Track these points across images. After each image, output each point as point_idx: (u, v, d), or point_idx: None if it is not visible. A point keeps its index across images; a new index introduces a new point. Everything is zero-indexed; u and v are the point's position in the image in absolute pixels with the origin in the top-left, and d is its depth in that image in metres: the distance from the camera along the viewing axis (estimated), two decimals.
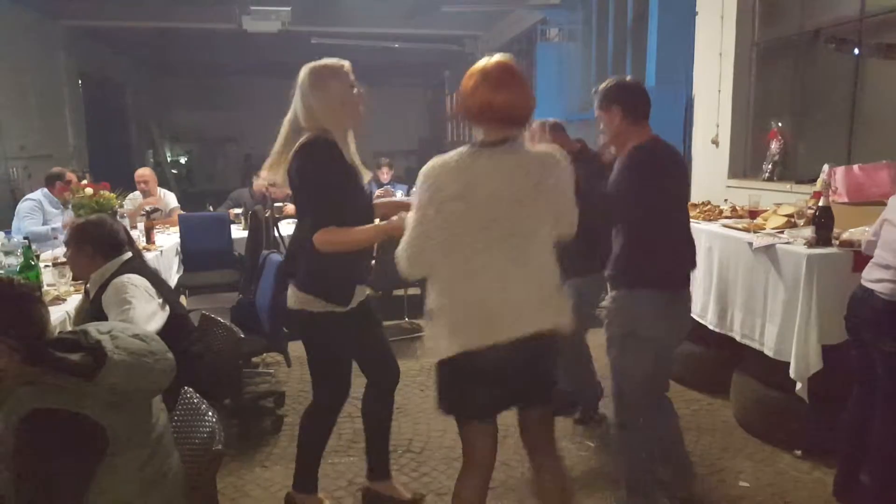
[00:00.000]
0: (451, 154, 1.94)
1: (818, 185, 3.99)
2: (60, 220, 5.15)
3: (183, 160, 12.22)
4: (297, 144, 2.34)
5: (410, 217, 1.96)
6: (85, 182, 5.32)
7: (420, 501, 2.84)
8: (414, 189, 2.01)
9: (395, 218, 2.26)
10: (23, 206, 5.19)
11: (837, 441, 2.79)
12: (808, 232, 3.10)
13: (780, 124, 5.26)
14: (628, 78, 2.71)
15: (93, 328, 1.76)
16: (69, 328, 2.79)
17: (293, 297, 2.47)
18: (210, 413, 1.97)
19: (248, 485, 3.05)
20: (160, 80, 14.02)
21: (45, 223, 5.12)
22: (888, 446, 2.56)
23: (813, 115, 5.26)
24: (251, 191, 6.63)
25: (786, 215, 3.43)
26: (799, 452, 3.11)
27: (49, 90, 9.33)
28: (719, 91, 5.62)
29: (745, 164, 5.60)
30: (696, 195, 5.62)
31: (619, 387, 2.59)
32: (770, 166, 5.28)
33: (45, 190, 5.29)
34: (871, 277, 2.49)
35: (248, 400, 3.83)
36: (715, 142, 5.65)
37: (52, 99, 9.41)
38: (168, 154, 12.89)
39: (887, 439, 2.55)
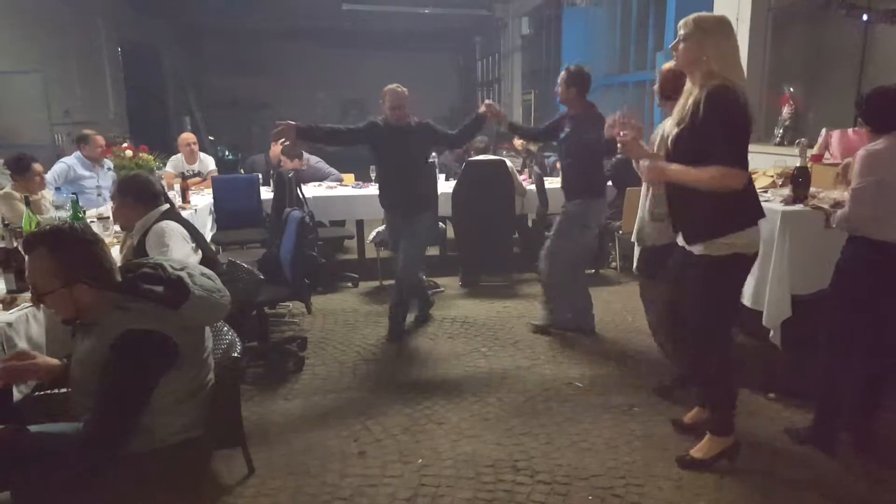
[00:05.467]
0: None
1: (815, 149, 4.15)
2: (93, 179, 5.56)
3: (218, 127, 12.70)
4: (716, 90, 2.37)
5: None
6: (125, 145, 5.73)
7: None
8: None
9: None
10: (56, 167, 5.50)
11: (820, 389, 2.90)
12: (787, 191, 3.29)
13: (791, 89, 5.35)
14: None
15: (167, 264, 2.12)
16: None
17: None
18: (229, 330, 2.36)
19: (271, 414, 3.42)
20: (195, 46, 14.36)
21: (75, 182, 5.44)
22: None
23: (823, 81, 5.34)
24: (267, 157, 6.99)
25: (771, 176, 3.61)
26: (772, 395, 3.34)
27: (90, 57, 9.70)
28: None
29: (759, 129, 5.70)
30: None
31: None
32: (781, 131, 5.39)
33: (79, 153, 5.64)
34: None
35: (274, 343, 4.21)
36: None
37: (93, 66, 9.78)
38: (204, 120, 13.35)
39: None
